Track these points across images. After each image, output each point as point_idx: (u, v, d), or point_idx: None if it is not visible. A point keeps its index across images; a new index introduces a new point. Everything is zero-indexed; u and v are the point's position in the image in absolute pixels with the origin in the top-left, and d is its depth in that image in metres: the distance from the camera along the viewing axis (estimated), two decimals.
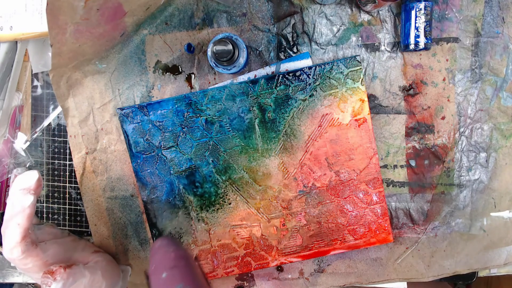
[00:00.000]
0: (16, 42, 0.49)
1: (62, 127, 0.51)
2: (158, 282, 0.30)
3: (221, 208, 0.49)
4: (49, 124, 0.51)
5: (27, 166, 0.52)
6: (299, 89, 0.47)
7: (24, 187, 0.36)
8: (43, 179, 0.52)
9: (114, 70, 0.48)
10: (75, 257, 0.44)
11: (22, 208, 0.36)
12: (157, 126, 0.48)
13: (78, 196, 0.52)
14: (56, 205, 0.53)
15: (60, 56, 0.41)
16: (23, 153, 0.52)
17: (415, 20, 0.44)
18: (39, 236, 0.40)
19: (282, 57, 0.48)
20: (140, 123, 0.48)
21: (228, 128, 0.48)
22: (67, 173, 0.52)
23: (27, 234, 0.36)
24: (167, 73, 0.48)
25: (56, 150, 0.52)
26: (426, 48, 0.45)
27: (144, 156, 0.49)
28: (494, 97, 0.48)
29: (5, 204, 0.52)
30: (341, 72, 0.47)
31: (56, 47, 0.39)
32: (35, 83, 0.51)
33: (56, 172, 0.52)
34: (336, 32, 0.47)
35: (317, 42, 0.47)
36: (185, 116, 0.48)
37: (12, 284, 0.61)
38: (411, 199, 0.49)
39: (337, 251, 0.49)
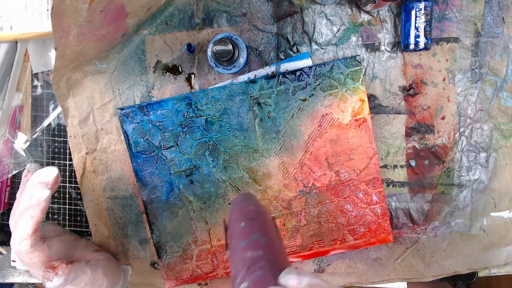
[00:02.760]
0: (16, 42, 0.49)
1: (62, 127, 0.51)
2: (236, 230, 0.31)
3: (221, 208, 0.49)
4: (49, 124, 0.51)
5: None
6: (299, 89, 0.47)
7: (43, 181, 0.37)
8: None
9: (114, 70, 0.48)
10: (77, 255, 0.44)
11: (38, 201, 0.36)
12: (157, 126, 0.48)
13: (78, 196, 0.52)
14: (56, 205, 0.53)
15: (63, 59, 0.41)
16: (23, 153, 0.52)
17: (415, 20, 0.44)
18: (43, 233, 0.40)
19: (282, 57, 0.48)
20: (140, 123, 0.48)
21: (228, 128, 0.48)
22: (67, 173, 0.52)
23: (38, 228, 0.37)
24: (167, 73, 0.48)
25: (56, 150, 0.52)
26: (426, 48, 0.45)
27: (144, 156, 0.49)
28: (494, 97, 0.48)
29: (5, 204, 0.52)
30: (341, 72, 0.47)
31: (60, 50, 0.39)
32: (35, 83, 0.51)
33: None
34: (336, 32, 0.47)
35: (317, 42, 0.47)
36: (185, 116, 0.48)
37: (12, 284, 0.61)
38: (411, 199, 0.50)
39: (337, 251, 0.49)
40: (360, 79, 0.47)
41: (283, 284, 0.22)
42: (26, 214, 0.36)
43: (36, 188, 0.37)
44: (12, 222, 0.38)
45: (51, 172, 0.37)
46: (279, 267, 0.25)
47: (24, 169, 0.52)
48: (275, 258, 0.27)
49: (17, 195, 0.40)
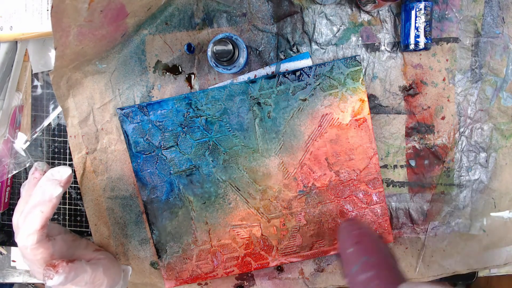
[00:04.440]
0: (16, 42, 0.49)
1: (62, 127, 0.51)
2: (346, 257, 0.33)
3: (221, 208, 0.49)
4: (49, 124, 0.51)
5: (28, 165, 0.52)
6: (299, 89, 0.47)
7: (56, 179, 0.38)
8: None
9: (114, 70, 0.48)
10: (78, 254, 0.45)
11: (50, 197, 0.37)
12: (157, 126, 0.48)
13: (78, 196, 0.52)
14: None
15: (63, 58, 0.41)
16: (23, 153, 0.52)
17: (415, 20, 0.44)
18: (48, 231, 0.41)
19: (282, 57, 0.48)
20: (140, 123, 0.48)
21: (228, 128, 0.48)
22: None
23: (46, 225, 0.38)
24: (167, 73, 0.48)
25: (56, 150, 0.52)
26: (426, 48, 0.45)
27: (144, 156, 0.49)
28: (494, 97, 0.48)
29: (5, 204, 0.52)
30: (341, 72, 0.47)
31: (59, 50, 0.39)
32: (35, 83, 0.51)
33: None
34: (336, 32, 0.47)
35: (317, 42, 0.47)
36: (185, 116, 0.48)
37: (12, 284, 0.61)
38: (411, 199, 0.50)
39: (337, 251, 0.49)
40: (360, 79, 0.47)
41: None
42: (36, 209, 0.37)
43: (50, 184, 0.38)
44: (21, 217, 0.38)
45: (66, 171, 0.38)
46: (394, 282, 0.26)
47: (25, 168, 0.52)
48: (389, 274, 0.28)
49: (23, 192, 0.40)
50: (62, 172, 0.38)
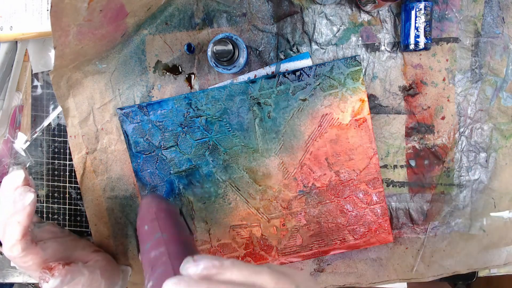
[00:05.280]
0: (16, 42, 0.49)
1: (62, 127, 0.51)
2: (142, 235, 0.33)
3: (221, 208, 0.49)
4: (49, 124, 0.51)
5: (27, 165, 0.52)
6: (299, 89, 0.47)
7: (17, 186, 0.36)
8: (43, 179, 0.52)
9: (114, 70, 0.48)
10: (75, 256, 0.44)
11: (23, 206, 0.36)
12: (157, 126, 0.48)
13: (78, 196, 0.52)
14: (56, 205, 0.53)
15: (62, 58, 0.41)
16: (23, 153, 0.52)
17: (415, 20, 0.44)
18: (38, 235, 0.40)
19: (282, 57, 0.48)
20: (140, 123, 0.48)
21: (228, 128, 0.48)
22: (67, 173, 0.52)
23: (27, 232, 0.36)
24: (167, 73, 0.48)
25: (56, 150, 0.52)
26: (426, 48, 0.45)
27: (144, 156, 0.49)
28: (494, 97, 0.48)
29: None
30: (341, 72, 0.47)
31: (59, 49, 0.39)
32: (35, 83, 0.51)
33: (56, 172, 0.52)
34: (336, 32, 0.47)
35: (317, 42, 0.47)
36: (185, 116, 0.48)
37: (12, 284, 0.61)
38: (411, 199, 0.50)
39: (337, 251, 0.49)
40: (360, 79, 0.47)
41: (185, 275, 0.21)
42: (12, 220, 0.36)
43: (19, 194, 0.36)
44: (0, 229, 0.37)
45: (18, 175, 0.37)
46: (178, 258, 0.26)
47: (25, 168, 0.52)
48: (178, 250, 0.28)
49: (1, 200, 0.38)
50: (16, 177, 0.36)
